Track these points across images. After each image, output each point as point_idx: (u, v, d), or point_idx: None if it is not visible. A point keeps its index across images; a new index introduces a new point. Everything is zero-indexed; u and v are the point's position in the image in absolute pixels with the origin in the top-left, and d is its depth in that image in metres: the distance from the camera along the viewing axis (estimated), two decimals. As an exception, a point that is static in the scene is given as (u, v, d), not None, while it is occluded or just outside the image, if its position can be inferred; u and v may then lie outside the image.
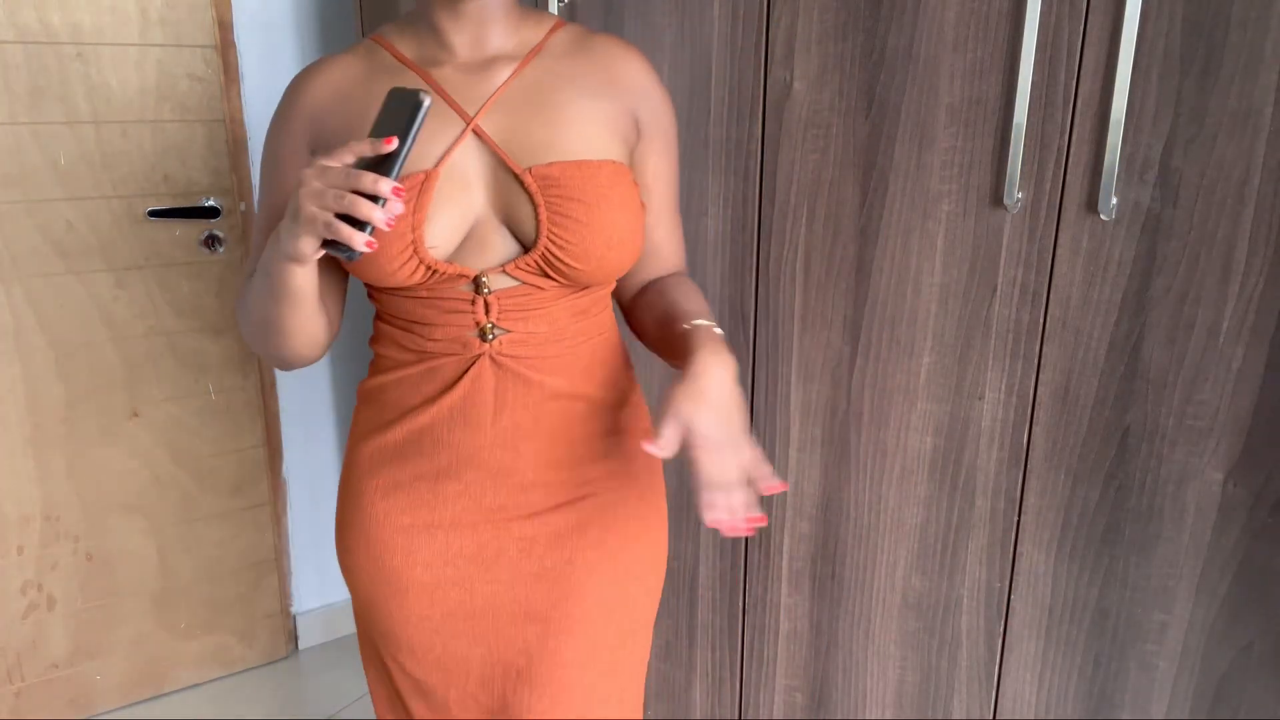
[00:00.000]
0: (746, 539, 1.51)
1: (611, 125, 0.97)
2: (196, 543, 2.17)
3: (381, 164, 0.78)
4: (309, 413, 2.31)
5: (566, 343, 0.99)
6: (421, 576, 1.03)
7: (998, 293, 1.20)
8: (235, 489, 2.20)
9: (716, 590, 1.57)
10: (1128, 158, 1.07)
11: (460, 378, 0.98)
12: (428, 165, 0.92)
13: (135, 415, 2.04)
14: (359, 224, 0.78)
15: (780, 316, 1.39)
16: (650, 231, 1.05)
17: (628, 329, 1.12)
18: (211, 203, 2.02)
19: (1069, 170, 1.11)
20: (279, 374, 2.23)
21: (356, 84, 0.97)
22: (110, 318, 1.97)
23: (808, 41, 1.27)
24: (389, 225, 0.78)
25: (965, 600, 1.31)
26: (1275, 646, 1.09)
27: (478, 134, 0.93)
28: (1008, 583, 1.27)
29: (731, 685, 1.60)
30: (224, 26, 1.97)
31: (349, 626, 2.45)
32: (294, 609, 2.39)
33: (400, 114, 0.79)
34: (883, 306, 1.29)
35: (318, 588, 2.41)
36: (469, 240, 0.94)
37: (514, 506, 1.01)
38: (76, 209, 1.90)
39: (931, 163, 1.21)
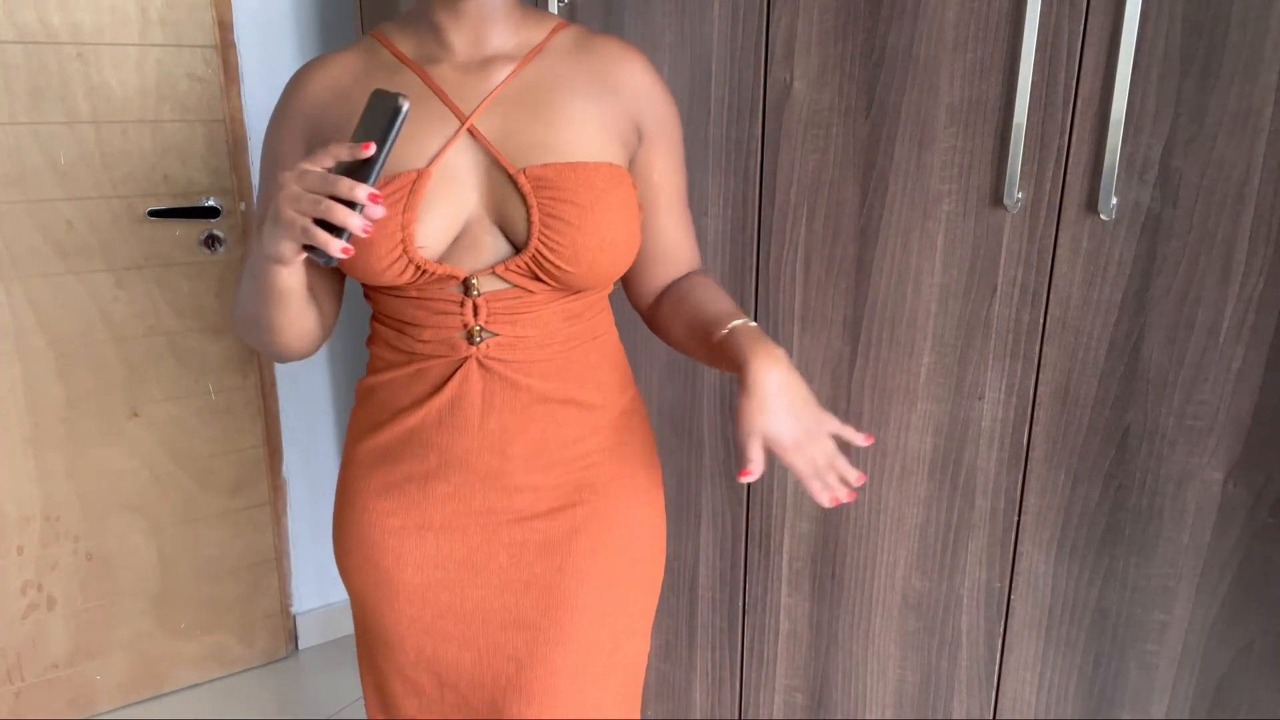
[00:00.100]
0: (746, 539, 1.51)
1: (610, 128, 0.97)
2: (196, 543, 2.17)
3: (360, 168, 0.78)
4: (309, 413, 2.31)
5: (557, 347, 0.99)
6: (412, 578, 1.03)
7: (998, 293, 1.20)
8: (235, 489, 2.20)
9: (716, 590, 1.57)
10: (1128, 158, 1.07)
11: (448, 380, 0.97)
12: (420, 164, 0.91)
13: (135, 415, 2.04)
14: (338, 229, 0.78)
15: (780, 316, 1.39)
16: (663, 233, 1.04)
17: (625, 331, 1.12)
18: (211, 203, 2.02)
19: (1069, 170, 1.11)
20: (279, 374, 2.23)
21: (355, 81, 0.96)
22: (110, 318, 1.97)
23: (808, 41, 1.27)
24: (365, 232, 0.78)
25: (965, 600, 1.31)
26: (1275, 646, 1.09)
27: (473, 133, 0.93)
28: (1008, 583, 1.27)
29: (731, 685, 1.60)
30: (224, 26, 1.97)
31: (349, 626, 2.45)
32: (294, 609, 2.39)
33: (380, 118, 0.78)
34: (883, 306, 1.29)
35: (318, 588, 2.42)
36: (460, 240, 0.94)
37: (504, 510, 1.01)
38: (76, 209, 1.90)
39: (931, 163, 1.21)
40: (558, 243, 0.92)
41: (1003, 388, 1.22)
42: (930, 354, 1.27)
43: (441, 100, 0.93)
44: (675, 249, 1.06)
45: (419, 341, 0.98)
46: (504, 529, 1.01)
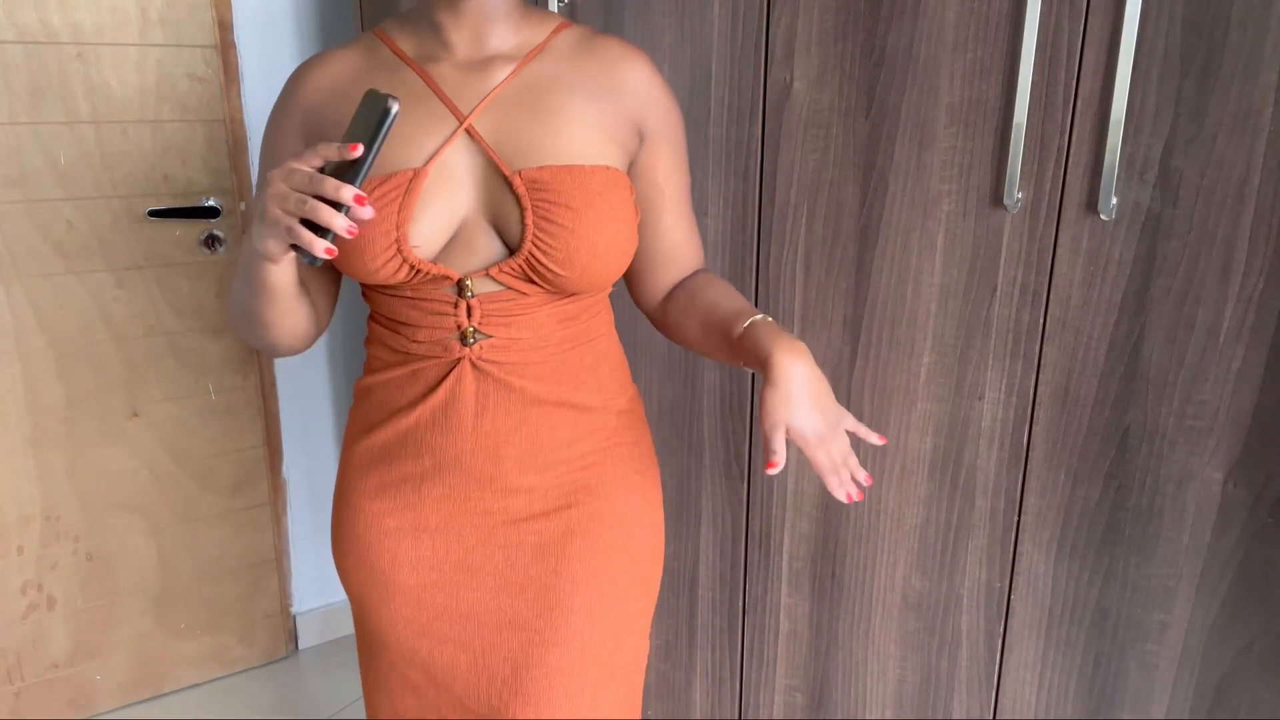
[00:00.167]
0: (746, 539, 1.51)
1: (609, 130, 0.96)
2: (196, 543, 2.17)
3: (348, 169, 0.78)
4: (309, 413, 2.31)
5: (551, 349, 0.98)
6: (407, 579, 1.03)
7: (998, 293, 1.20)
8: (235, 489, 2.20)
9: (716, 590, 1.57)
10: (1128, 158, 1.07)
11: (442, 381, 0.97)
12: (417, 163, 0.91)
13: (135, 415, 2.04)
14: (324, 229, 0.78)
15: (780, 316, 1.39)
16: (667, 235, 1.04)
17: (624, 331, 1.11)
18: (211, 203, 2.02)
19: (1069, 170, 1.11)
20: (279, 374, 2.23)
21: (355, 79, 0.96)
22: (110, 318, 1.97)
23: (808, 41, 1.27)
24: (350, 233, 0.78)
25: (965, 600, 1.31)
26: (1275, 646, 1.09)
27: (470, 134, 0.92)
28: (1008, 583, 1.27)
29: (731, 685, 1.60)
30: (224, 26, 1.97)
31: (349, 626, 2.45)
32: (294, 609, 2.39)
33: (370, 119, 0.78)
34: (883, 306, 1.29)
35: (318, 588, 2.41)
36: (455, 241, 0.93)
37: (499, 511, 1.00)
38: (76, 209, 1.90)
39: (931, 163, 1.21)
40: (551, 246, 0.91)
41: (1003, 388, 1.22)
42: (930, 354, 1.27)
43: (440, 99, 0.93)
44: (680, 250, 1.06)
45: (413, 342, 0.98)
46: (500, 530, 1.01)
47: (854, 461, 0.92)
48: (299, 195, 0.77)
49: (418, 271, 0.92)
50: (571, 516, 1.02)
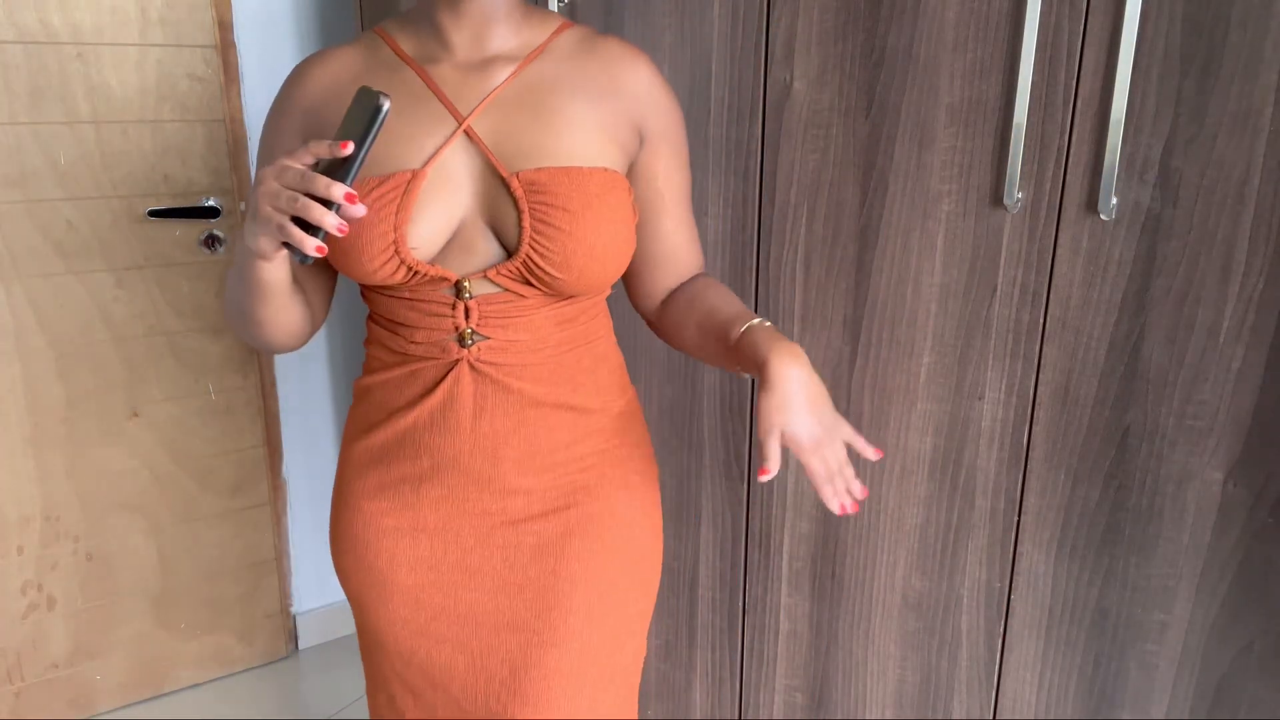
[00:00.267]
0: (746, 539, 1.51)
1: (609, 132, 0.96)
2: (196, 543, 2.17)
3: (340, 167, 0.78)
4: (309, 413, 2.31)
5: (549, 351, 0.98)
6: (405, 580, 1.03)
7: (998, 293, 1.20)
8: (235, 489, 2.20)
9: (716, 590, 1.57)
10: (1128, 158, 1.07)
11: (440, 382, 0.97)
12: (416, 164, 0.91)
13: (135, 415, 2.04)
14: (315, 227, 0.78)
15: (780, 316, 1.39)
16: (666, 237, 1.04)
17: (624, 332, 1.11)
18: (211, 203, 2.02)
19: (1069, 170, 1.11)
20: (279, 374, 2.23)
21: (354, 78, 0.96)
22: (110, 318, 1.97)
23: (808, 41, 1.27)
24: (341, 231, 0.77)
25: (965, 600, 1.31)
26: (1275, 646, 1.09)
27: (469, 135, 0.92)
28: (1008, 583, 1.27)
29: (731, 685, 1.60)
30: (224, 26, 1.97)
31: (349, 626, 2.45)
32: (294, 609, 2.39)
33: (362, 116, 0.78)
34: (883, 306, 1.29)
35: (318, 588, 2.41)
36: (454, 242, 0.93)
37: (497, 512, 1.00)
38: (76, 209, 1.90)
39: (931, 163, 1.21)
40: (548, 249, 0.91)
41: (1003, 388, 1.22)
42: (930, 354, 1.27)
43: (440, 100, 0.93)
44: (679, 252, 1.05)
45: (411, 343, 0.98)
46: (498, 531, 1.01)
47: (850, 472, 0.91)
48: (290, 193, 0.77)
49: (416, 273, 0.92)
50: (570, 518, 1.02)
